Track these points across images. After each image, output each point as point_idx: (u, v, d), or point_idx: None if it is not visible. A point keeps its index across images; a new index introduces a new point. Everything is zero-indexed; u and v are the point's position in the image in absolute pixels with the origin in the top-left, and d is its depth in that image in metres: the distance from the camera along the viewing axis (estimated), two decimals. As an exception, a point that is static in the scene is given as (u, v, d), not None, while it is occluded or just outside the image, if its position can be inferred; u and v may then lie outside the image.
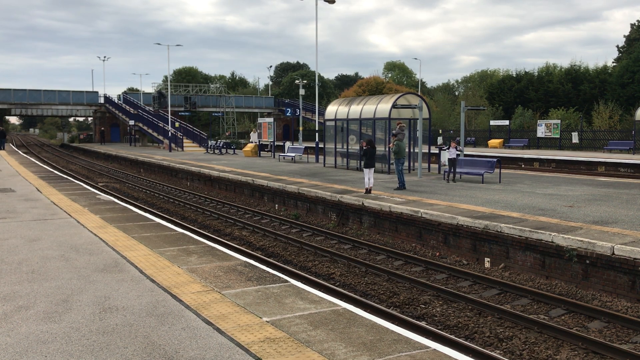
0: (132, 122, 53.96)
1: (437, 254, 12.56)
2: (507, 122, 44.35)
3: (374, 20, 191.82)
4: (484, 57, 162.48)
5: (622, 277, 9.11)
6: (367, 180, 16.07)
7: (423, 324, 8.32)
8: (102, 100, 62.86)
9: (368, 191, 16.09)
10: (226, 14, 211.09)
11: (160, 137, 49.96)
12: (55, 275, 7.61)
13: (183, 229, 12.68)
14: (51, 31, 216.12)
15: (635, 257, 8.91)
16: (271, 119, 38.56)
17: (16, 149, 51.01)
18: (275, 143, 38.05)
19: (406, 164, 21.54)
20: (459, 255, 12.15)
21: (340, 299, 7.68)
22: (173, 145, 45.65)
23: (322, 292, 7.83)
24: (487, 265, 11.44)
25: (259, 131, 39.47)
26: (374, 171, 16.94)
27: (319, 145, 31.11)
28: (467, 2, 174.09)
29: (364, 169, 16.22)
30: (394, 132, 19.37)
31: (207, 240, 10.71)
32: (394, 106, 22.38)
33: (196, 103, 65.62)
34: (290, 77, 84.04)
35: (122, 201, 17.44)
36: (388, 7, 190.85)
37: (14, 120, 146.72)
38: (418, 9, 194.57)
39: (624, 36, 65.09)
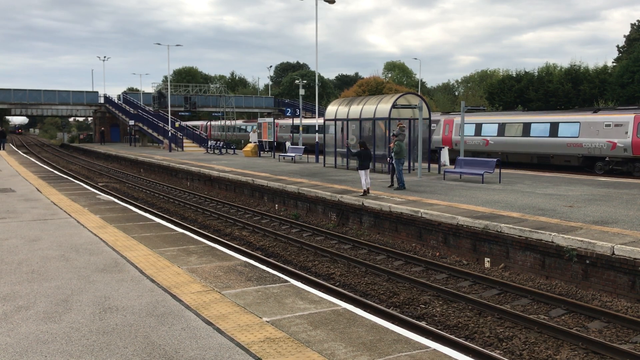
0: (132, 122, 53.93)
1: (437, 254, 12.56)
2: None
3: (372, 20, 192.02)
4: (482, 57, 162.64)
5: (622, 277, 9.11)
6: (364, 182, 16.05)
7: (423, 324, 8.32)
8: (102, 100, 62.83)
9: (365, 192, 16.05)
10: (224, 14, 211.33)
11: (160, 137, 49.95)
12: (55, 276, 7.61)
13: (183, 229, 12.68)
14: (49, 31, 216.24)
15: (635, 257, 8.92)
16: (271, 119, 38.55)
17: (16, 149, 51.01)
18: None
19: (406, 164, 21.53)
20: (459, 255, 12.15)
21: (340, 299, 7.68)
22: (173, 145, 45.65)
23: (322, 292, 7.83)
24: (487, 265, 11.44)
25: (258, 131, 39.46)
26: (370, 171, 16.90)
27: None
28: (466, 2, 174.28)
29: (359, 171, 16.21)
30: (394, 132, 19.38)
31: (207, 240, 10.72)
32: (394, 106, 22.38)
33: (196, 103, 65.59)
34: (290, 77, 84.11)
35: (122, 201, 17.44)
36: (386, 6, 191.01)
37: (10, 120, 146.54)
38: (416, 9, 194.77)
39: (624, 36, 65.18)
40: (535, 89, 54.34)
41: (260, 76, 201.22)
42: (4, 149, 45.32)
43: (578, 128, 26.09)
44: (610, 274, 9.28)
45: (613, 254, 9.22)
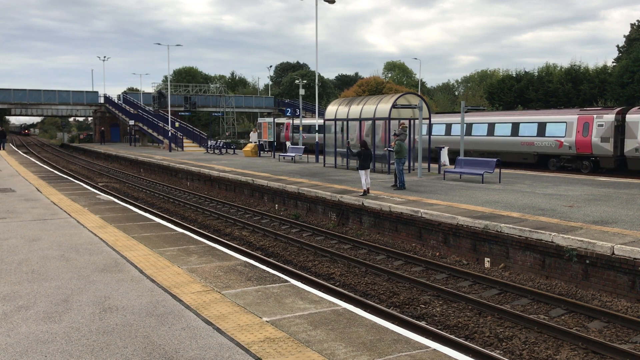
0: (132, 122, 53.95)
1: (437, 254, 12.56)
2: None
3: (371, 20, 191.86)
4: (482, 57, 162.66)
5: (622, 277, 9.11)
6: (364, 182, 16.05)
7: (423, 324, 8.32)
8: (102, 100, 62.86)
9: (365, 192, 16.06)
10: (223, 14, 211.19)
11: (160, 137, 49.96)
12: (55, 275, 7.61)
13: (183, 229, 12.68)
14: (48, 31, 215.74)
15: (635, 257, 8.92)
16: (271, 119, 38.57)
17: (16, 149, 51.01)
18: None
19: (406, 164, 21.52)
20: (459, 255, 12.15)
21: (340, 299, 7.68)
22: (173, 145, 45.65)
23: (322, 292, 7.83)
24: (487, 265, 11.44)
25: (259, 131, 39.48)
26: (370, 171, 16.90)
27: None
28: (464, 2, 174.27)
29: (359, 171, 16.22)
30: (396, 132, 19.39)
31: (207, 240, 10.71)
32: (394, 106, 22.38)
33: (196, 103, 65.63)
34: (290, 77, 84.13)
35: (122, 201, 17.44)
36: (385, 6, 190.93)
37: (14, 120, 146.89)
38: (415, 9, 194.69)
39: (624, 36, 65.12)
40: (535, 89, 54.36)
41: (260, 76, 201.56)
42: (4, 149, 45.32)
43: None
44: (610, 274, 9.28)
45: (613, 253, 9.22)
